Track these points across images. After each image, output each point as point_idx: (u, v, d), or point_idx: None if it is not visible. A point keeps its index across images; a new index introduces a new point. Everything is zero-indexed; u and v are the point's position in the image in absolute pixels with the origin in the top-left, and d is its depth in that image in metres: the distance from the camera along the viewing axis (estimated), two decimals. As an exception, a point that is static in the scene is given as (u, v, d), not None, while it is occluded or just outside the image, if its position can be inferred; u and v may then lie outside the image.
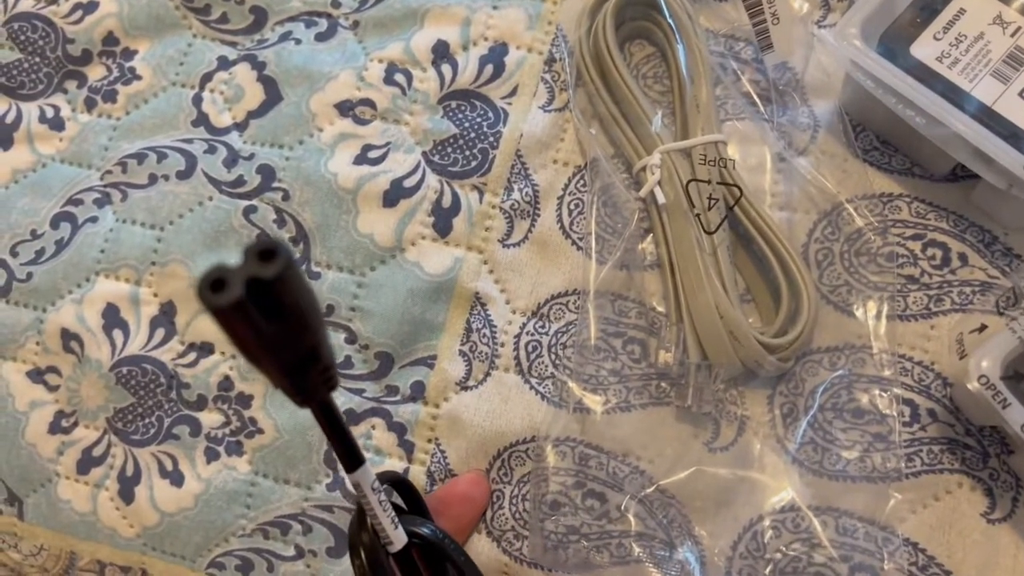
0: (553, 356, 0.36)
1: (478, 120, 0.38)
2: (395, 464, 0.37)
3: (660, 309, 0.36)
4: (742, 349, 0.33)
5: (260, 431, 0.37)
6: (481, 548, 0.35)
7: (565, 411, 0.35)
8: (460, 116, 0.38)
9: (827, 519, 0.33)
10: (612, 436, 0.35)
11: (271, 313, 0.17)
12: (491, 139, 0.38)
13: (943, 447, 0.33)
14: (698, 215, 0.33)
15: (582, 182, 0.38)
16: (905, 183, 0.36)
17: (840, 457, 0.34)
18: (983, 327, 0.31)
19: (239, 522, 0.37)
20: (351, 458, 0.24)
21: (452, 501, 0.34)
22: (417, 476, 0.36)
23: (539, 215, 0.38)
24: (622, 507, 0.34)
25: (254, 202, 0.39)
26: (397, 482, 0.30)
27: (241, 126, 0.40)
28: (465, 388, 0.37)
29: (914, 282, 0.35)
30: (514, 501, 0.35)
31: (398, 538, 0.26)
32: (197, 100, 0.41)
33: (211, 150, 0.40)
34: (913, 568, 0.33)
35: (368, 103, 0.39)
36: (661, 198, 0.34)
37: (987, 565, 0.32)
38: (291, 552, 0.37)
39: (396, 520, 0.26)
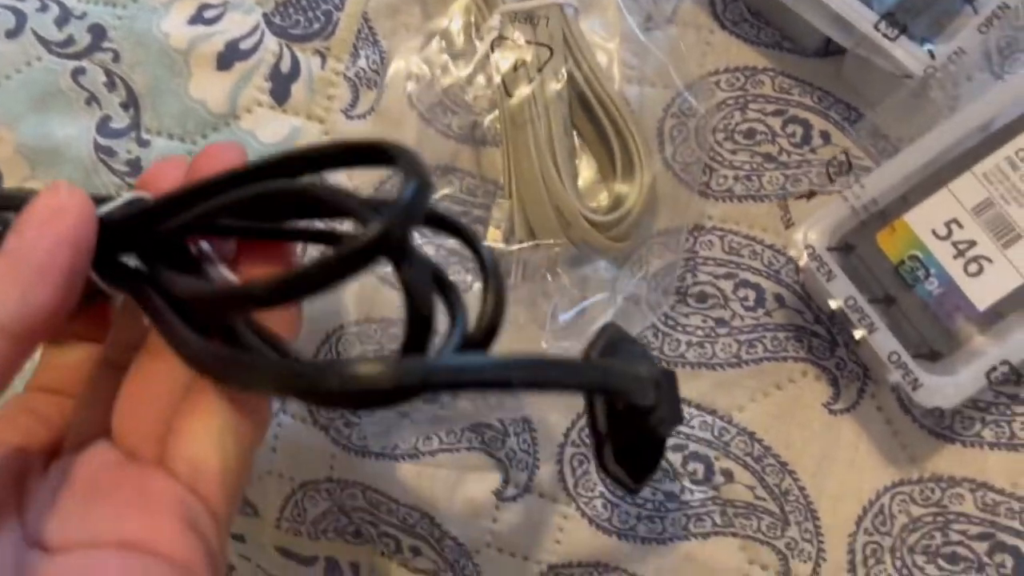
0: (394, 234, 0.34)
1: (324, -20, 0.35)
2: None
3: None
4: (570, 228, 0.31)
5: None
6: (310, 439, 0.34)
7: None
8: (305, -25, 0.36)
9: (662, 406, 0.32)
10: (446, 317, 0.33)
11: None
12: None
13: (789, 334, 0.32)
14: (531, 80, 0.31)
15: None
16: (772, 57, 0.33)
17: (679, 343, 0.32)
18: (812, 194, 0.29)
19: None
20: None
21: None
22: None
23: (387, 85, 0.35)
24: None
25: (83, 63, 0.36)
26: None
27: (72, -19, 0.37)
28: (299, 266, 0.35)
29: (771, 161, 0.33)
30: (341, 382, 0.33)
31: None
32: (32, -44, 0.38)
33: (43, 8, 0.37)
34: (748, 459, 0.31)
35: (208, -41, 0.36)
36: (498, 63, 0.32)
37: (826, 457, 0.31)
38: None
39: None
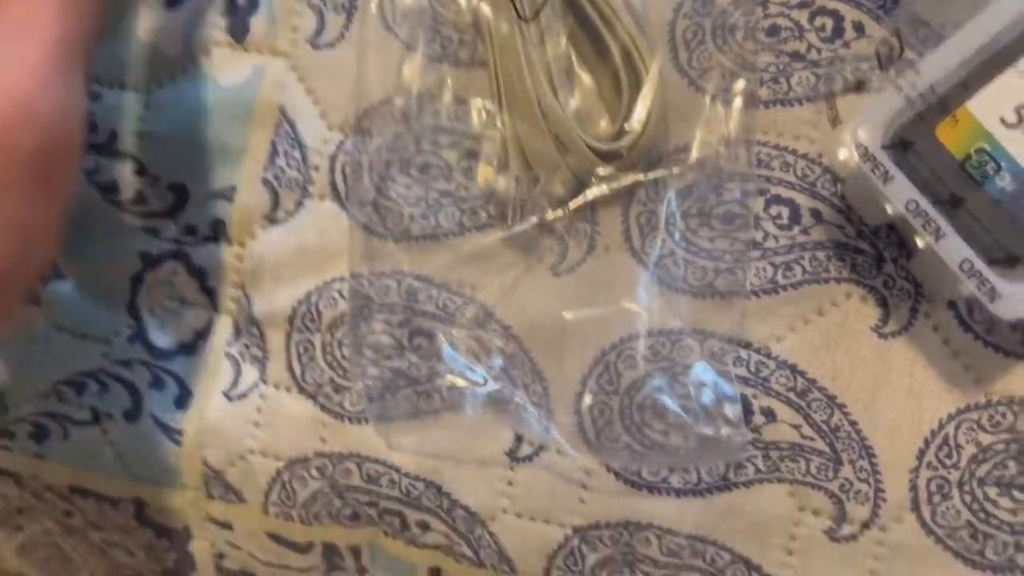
0: (376, 177, 0.30)
1: None
2: (200, 314, 0.31)
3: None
4: (571, 156, 0.27)
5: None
6: (294, 408, 0.30)
7: (390, 240, 0.30)
8: None
9: (692, 343, 0.28)
10: (442, 265, 0.30)
11: None
12: (292, -87, 0.31)
13: (829, 253, 0.28)
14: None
15: (407, -35, 0.31)
16: (791, -60, 0.29)
17: (707, 270, 0.28)
18: (860, 84, 0.25)
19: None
20: None
21: None
22: (224, 327, 0.31)
23: (356, 6, 0.31)
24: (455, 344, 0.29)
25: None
26: None
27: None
28: (273, 222, 0.31)
29: (799, 59, 0.29)
30: (328, 349, 0.30)
31: None
32: None
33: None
34: (791, 395, 0.28)
35: None
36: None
37: (878, 385, 0.28)
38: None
39: None
